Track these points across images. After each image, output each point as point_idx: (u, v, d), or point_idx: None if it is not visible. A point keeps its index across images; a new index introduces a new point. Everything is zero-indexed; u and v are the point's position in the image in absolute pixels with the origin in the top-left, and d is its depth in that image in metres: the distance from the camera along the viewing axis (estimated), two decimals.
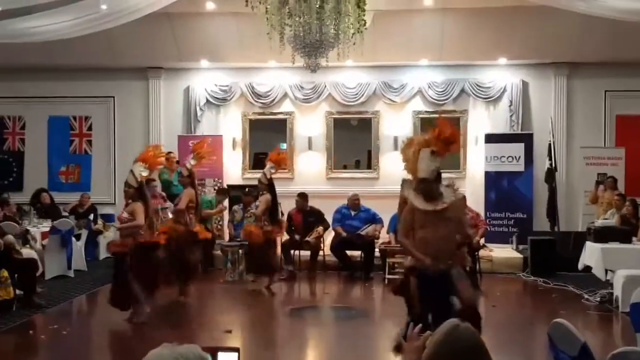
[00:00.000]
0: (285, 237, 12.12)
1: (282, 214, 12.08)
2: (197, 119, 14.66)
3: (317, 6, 8.45)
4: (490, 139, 13.93)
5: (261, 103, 14.59)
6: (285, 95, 14.57)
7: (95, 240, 12.99)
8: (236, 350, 2.91)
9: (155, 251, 8.49)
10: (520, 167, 13.81)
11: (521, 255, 12.55)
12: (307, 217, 12.25)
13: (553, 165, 13.57)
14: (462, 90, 14.27)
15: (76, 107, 15.06)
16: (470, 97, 14.35)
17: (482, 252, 11.88)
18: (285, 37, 8.86)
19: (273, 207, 10.77)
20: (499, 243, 13.25)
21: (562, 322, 3.94)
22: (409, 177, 6.91)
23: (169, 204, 10.84)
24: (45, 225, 11.73)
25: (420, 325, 2.76)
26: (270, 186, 10.79)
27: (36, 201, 13.40)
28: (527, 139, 13.89)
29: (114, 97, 15.00)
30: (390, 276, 11.13)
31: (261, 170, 14.41)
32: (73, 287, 10.62)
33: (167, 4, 11.02)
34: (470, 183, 14.13)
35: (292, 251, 12.10)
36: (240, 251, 11.49)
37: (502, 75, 14.31)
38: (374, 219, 12.20)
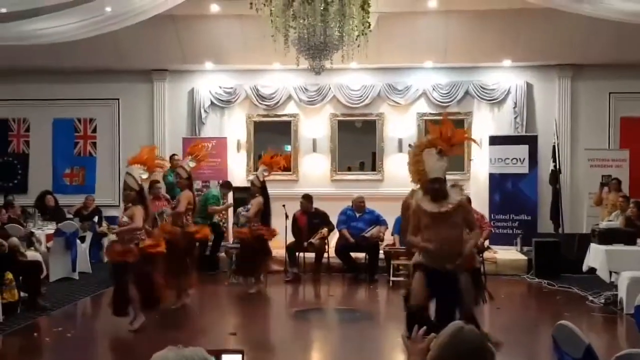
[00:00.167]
0: (290, 239, 12.13)
1: (287, 216, 12.10)
2: (201, 121, 14.68)
3: (322, 8, 8.45)
4: (495, 141, 13.92)
5: (265, 105, 14.61)
6: (290, 97, 14.59)
7: (99, 243, 13.00)
8: (240, 352, 2.91)
9: (155, 261, 8.30)
10: (524, 169, 13.80)
11: (525, 257, 12.54)
12: (312, 219, 12.26)
13: (557, 167, 13.57)
14: (467, 92, 14.28)
15: (81, 110, 15.09)
16: (475, 99, 14.35)
17: (486, 254, 11.85)
18: (290, 40, 8.85)
19: (265, 210, 10.77)
20: (504, 245, 13.26)
21: (567, 324, 3.94)
22: (417, 187, 6.91)
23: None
24: (50, 228, 11.75)
25: (424, 327, 2.76)
26: (262, 189, 10.79)
27: (41, 203, 13.41)
28: (531, 141, 13.88)
29: (118, 99, 15.02)
30: (395, 278, 11.14)
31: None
32: (77, 289, 10.64)
33: (172, 7, 11.03)
34: (475, 185, 14.11)
35: (296, 253, 12.09)
36: None
37: (506, 77, 14.30)
38: (378, 221, 12.18)
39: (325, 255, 12.19)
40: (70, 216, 13.02)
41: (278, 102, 14.58)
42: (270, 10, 8.60)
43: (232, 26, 13.17)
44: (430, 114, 14.34)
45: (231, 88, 14.66)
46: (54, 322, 8.68)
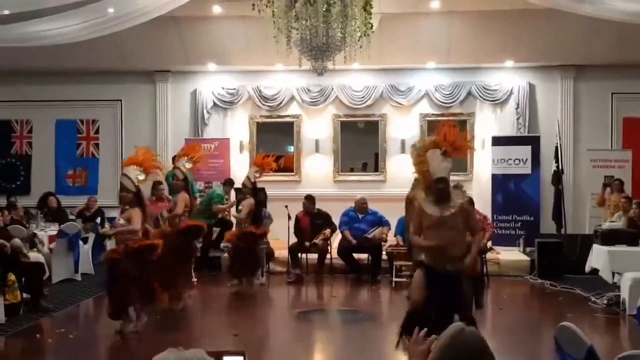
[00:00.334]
0: (293, 239, 12.14)
1: (290, 217, 12.11)
2: (204, 122, 14.69)
3: (324, 9, 8.45)
4: (497, 141, 13.92)
5: (268, 106, 14.61)
6: (292, 98, 14.59)
7: (102, 244, 12.96)
8: (242, 354, 2.91)
9: (149, 255, 8.04)
10: (527, 169, 13.79)
11: (528, 258, 12.53)
12: (314, 219, 12.25)
13: (560, 167, 13.56)
14: (469, 93, 14.28)
15: (83, 111, 15.11)
16: (477, 99, 14.35)
17: (489, 255, 11.85)
18: (292, 41, 8.85)
19: (257, 212, 10.76)
20: (506, 246, 13.25)
21: (569, 325, 3.94)
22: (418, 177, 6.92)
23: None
24: (53, 229, 11.75)
25: (425, 329, 2.76)
26: (254, 190, 10.78)
27: (43, 205, 13.43)
28: (534, 142, 13.87)
29: (121, 100, 15.04)
30: (398, 279, 11.13)
31: (270, 173, 14.55)
32: (80, 290, 10.64)
33: (175, 8, 11.03)
34: (477, 186, 14.11)
35: (299, 254, 12.09)
36: None
37: (508, 78, 14.30)
38: (381, 222, 12.18)
39: (328, 256, 12.19)
40: (73, 217, 13.03)
41: (281, 103, 14.59)
42: (273, 11, 8.60)
43: (234, 27, 13.18)
44: (433, 114, 14.36)
45: (234, 89, 14.67)
46: (57, 324, 8.69)
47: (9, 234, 9.43)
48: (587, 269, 10.49)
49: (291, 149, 14.85)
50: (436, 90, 14.31)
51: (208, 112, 14.70)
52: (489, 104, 14.36)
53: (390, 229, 12.09)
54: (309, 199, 12.38)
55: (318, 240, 12.00)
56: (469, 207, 6.85)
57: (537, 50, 13.41)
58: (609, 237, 10.07)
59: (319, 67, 9.07)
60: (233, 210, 12.49)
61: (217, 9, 12.69)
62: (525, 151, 13.80)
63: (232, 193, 13.32)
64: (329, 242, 12.17)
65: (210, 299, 10.69)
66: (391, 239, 12.06)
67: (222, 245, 12.34)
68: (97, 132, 15.16)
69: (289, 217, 12.10)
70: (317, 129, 14.64)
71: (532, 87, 14.28)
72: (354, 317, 9.51)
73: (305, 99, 14.49)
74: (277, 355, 7.77)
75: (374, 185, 14.39)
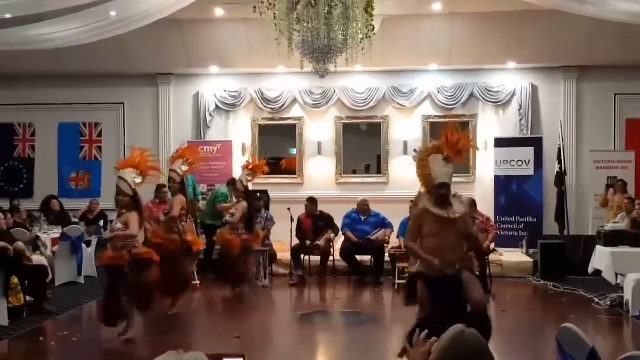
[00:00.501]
0: (294, 242, 12.15)
1: (292, 219, 12.11)
2: (206, 124, 14.71)
3: (325, 12, 8.44)
4: (500, 143, 13.92)
5: (270, 108, 14.63)
6: (295, 100, 14.60)
7: (105, 247, 12.98)
8: (241, 356, 2.91)
9: (150, 266, 7.93)
10: (530, 171, 13.79)
11: (531, 260, 12.52)
12: (317, 221, 12.25)
13: (563, 169, 13.56)
14: (472, 95, 14.28)
15: (86, 114, 15.14)
16: (480, 101, 14.35)
17: (492, 257, 11.84)
18: (294, 43, 8.85)
19: (249, 216, 10.74)
20: (509, 247, 13.25)
21: (571, 326, 3.93)
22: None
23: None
24: (56, 232, 11.76)
25: (426, 331, 2.75)
26: (246, 194, 10.76)
27: (46, 208, 13.45)
28: (536, 143, 13.87)
29: (124, 103, 15.06)
30: (400, 281, 11.08)
31: (272, 175, 14.56)
32: (83, 293, 10.63)
33: (177, 11, 11.04)
34: (480, 187, 14.11)
35: (301, 256, 12.09)
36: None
37: (511, 79, 14.30)
38: (383, 224, 12.17)
39: (331, 258, 12.18)
40: (76, 220, 13.04)
41: (283, 105, 14.60)
42: (274, 13, 8.59)
43: (237, 30, 13.18)
44: (436, 116, 14.38)
45: (236, 92, 14.69)
46: (60, 326, 8.68)
47: (12, 237, 9.42)
48: (591, 270, 10.49)
49: (294, 151, 14.86)
50: (438, 92, 14.31)
51: (210, 114, 14.72)
52: (491, 105, 14.36)
53: (392, 230, 12.08)
54: (311, 201, 12.38)
55: (320, 242, 11.99)
56: (469, 214, 6.85)
57: (539, 51, 13.40)
58: (612, 238, 10.06)
59: (320, 69, 9.07)
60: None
61: (219, 12, 12.70)
62: (528, 152, 13.80)
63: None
64: (331, 244, 12.16)
65: (213, 301, 10.68)
66: (394, 240, 12.05)
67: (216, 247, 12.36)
68: (99, 135, 15.19)
69: (292, 220, 12.11)
70: (320, 131, 14.64)
71: (534, 89, 14.27)
72: (356, 319, 9.51)
73: (307, 101, 14.50)
74: (280, 357, 7.78)
75: (377, 187, 14.39)
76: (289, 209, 12.09)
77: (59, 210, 13.47)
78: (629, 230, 10.45)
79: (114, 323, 7.87)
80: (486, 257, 11.22)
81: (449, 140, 6.65)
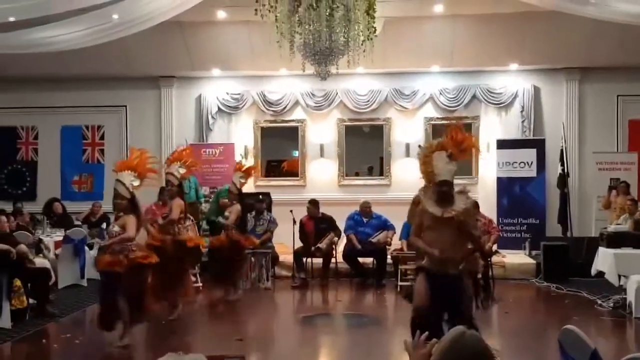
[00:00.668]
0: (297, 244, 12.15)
1: (295, 222, 12.11)
2: (209, 127, 14.73)
3: (327, 14, 8.44)
4: (502, 144, 13.91)
5: (273, 111, 14.63)
6: (297, 102, 14.61)
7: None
8: (241, 358, 2.92)
9: (147, 272, 7.87)
10: (532, 172, 13.79)
11: (534, 261, 12.51)
12: (319, 224, 12.25)
13: (565, 170, 13.54)
14: (474, 97, 14.28)
15: (89, 117, 15.16)
16: (482, 103, 14.35)
17: (494, 258, 11.81)
18: (295, 45, 8.85)
19: (243, 218, 10.73)
20: (512, 249, 13.24)
21: (572, 328, 3.93)
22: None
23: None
24: (59, 235, 11.78)
25: (426, 332, 2.76)
26: (240, 196, 10.75)
27: (48, 211, 13.47)
28: (539, 145, 13.87)
29: (126, 106, 15.08)
30: (403, 283, 11.10)
31: (275, 178, 14.59)
32: (86, 296, 10.64)
33: (179, 13, 11.05)
34: (483, 189, 14.11)
35: (304, 259, 12.09)
36: (252, 259, 11.49)
37: (513, 81, 14.30)
38: (385, 226, 12.17)
39: (333, 260, 12.18)
40: (79, 223, 13.06)
41: (285, 107, 14.60)
42: (276, 16, 8.60)
43: (239, 32, 13.19)
44: (438, 118, 14.38)
45: (238, 94, 14.70)
46: (63, 329, 8.71)
47: (14, 239, 9.44)
48: (593, 272, 10.48)
49: (296, 153, 14.87)
50: (441, 93, 14.31)
51: (213, 117, 14.73)
52: (493, 107, 14.36)
53: (395, 232, 12.09)
54: (313, 204, 12.38)
55: (322, 244, 11.99)
56: (471, 211, 6.84)
57: (541, 53, 13.39)
58: (615, 240, 10.06)
59: (322, 71, 9.07)
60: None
61: (221, 14, 12.71)
62: (531, 154, 13.79)
63: None
64: (334, 246, 12.16)
65: (215, 303, 10.67)
66: (396, 242, 12.04)
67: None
68: (102, 137, 15.21)
69: (294, 222, 12.11)
70: (322, 133, 14.65)
71: (537, 90, 14.27)
72: (359, 321, 9.51)
73: (309, 104, 14.51)
74: (282, 359, 7.77)
75: (379, 190, 14.39)
76: (291, 211, 12.09)
77: (61, 213, 13.50)
78: (631, 232, 10.45)
79: (111, 327, 7.75)
80: (489, 259, 11.21)
81: (454, 138, 6.65)
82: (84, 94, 14.97)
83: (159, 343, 7.94)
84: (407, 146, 14.26)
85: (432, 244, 6.38)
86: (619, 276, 9.70)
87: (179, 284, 9.27)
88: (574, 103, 14.11)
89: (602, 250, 10.21)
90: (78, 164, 15.20)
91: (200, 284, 11.32)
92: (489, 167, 14.10)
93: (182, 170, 9.86)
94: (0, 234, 9.13)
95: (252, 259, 11.48)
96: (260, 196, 12.93)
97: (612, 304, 9.57)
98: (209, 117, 14.70)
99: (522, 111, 14.18)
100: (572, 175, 13.80)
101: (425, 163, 6.67)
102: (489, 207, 12.95)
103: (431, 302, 6.25)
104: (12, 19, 10.23)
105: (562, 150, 13.59)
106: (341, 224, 12.32)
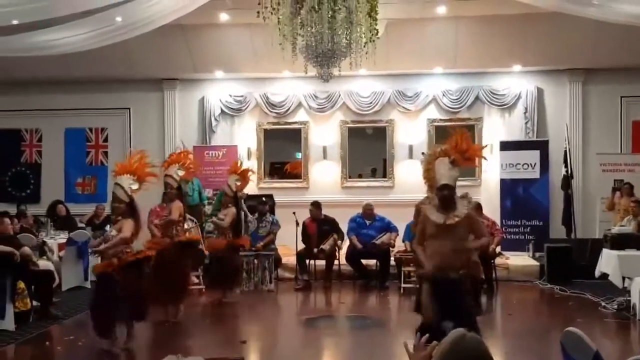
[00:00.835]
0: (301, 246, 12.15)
1: (297, 224, 12.11)
2: (212, 129, 14.74)
3: (329, 16, 8.43)
4: (506, 146, 13.90)
5: (275, 113, 14.64)
6: (300, 104, 14.62)
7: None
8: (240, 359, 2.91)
9: (142, 267, 7.76)
10: (535, 174, 13.77)
11: (537, 263, 12.49)
12: (322, 225, 12.24)
13: (569, 172, 13.52)
14: (477, 98, 14.27)
15: (92, 119, 15.19)
16: (485, 104, 14.34)
17: (498, 260, 11.83)
18: (298, 47, 8.85)
19: (237, 221, 10.72)
20: (515, 251, 13.23)
21: (575, 330, 3.92)
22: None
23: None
24: (62, 237, 11.80)
25: (427, 335, 2.76)
26: (235, 199, 10.74)
27: (52, 213, 13.49)
28: (542, 146, 13.85)
29: (129, 108, 15.11)
30: (406, 285, 11.09)
31: (278, 180, 14.58)
32: (89, 298, 10.61)
33: (181, 16, 11.06)
34: (486, 191, 14.10)
35: (307, 260, 12.09)
36: (255, 261, 11.48)
37: (516, 82, 14.29)
38: (388, 228, 12.16)
39: (336, 262, 12.17)
40: (82, 225, 13.07)
41: (288, 109, 14.61)
42: (278, 18, 8.60)
43: (241, 35, 13.20)
44: (441, 120, 14.38)
45: (241, 96, 14.71)
46: (66, 331, 8.71)
47: (18, 242, 9.45)
48: (597, 273, 10.44)
49: (299, 155, 14.87)
50: (443, 95, 14.31)
51: (216, 119, 14.75)
52: (496, 108, 14.35)
53: (398, 234, 12.08)
54: (316, 205, 12.37)
55: (325, 246, 11.98)
56: (474, 215, 6.83)
57: (544, 54, 13.38)
58: (619, 242, 10.02)
59: (324, 73, 9.06)
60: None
61: (223, 17, 12.71)
62: (534, 156, 13.77)
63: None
64: (337, 248, 12.15)
65: (218, 305, 10.67)
66: (399, 244, 12.04)
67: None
68: (106, 140, 15.24)
69: (297, 224, 12.11)
70: (325, 135, 14.65)
71: (540, 91, 14.25)
72: (362, 323, 9.49)
73: (312, 106, 14.51)
74: None
75: (382, 191, 14.38)
76: (294, 213, 12.09)
77: (65, 215, 13.52)
78: (635, 234, 10.41)
79: (108, 334, 7.60)
80: (492, 261, 11.22)
81: (458, 145, 6.65)
82: (88, 97, 15.00)
83: (161, 346, 7.92)
84: (410, 148, 14.26)
85: (434, 252, 6.38)
86: (623, 278, 9.66)
87: (180, 285, 9.25)
88: (578, 104, 14.09)
89: (606, 252, 10.18)
90: (82, 166, 15.23)
91: (203, 286, 11.31)
92: (492, 169, 14.07)
93: (181, 173, 9.84)
94: (4, 237, 9.12)
95: (255, 261, 11.48)
96: (263, 198, 12.93)
97: (616, 306, 9.54)
98: (212, 119, 14.71)
99: (525, 112, 14.17)
100: (575, 177, 13.79)
101: (428, 170, 6.69)
102: (492, 209, 12.96)
103: (436, 311, 6.24)
104: (15, 22, 10.25)
105: (565, 152, 13.57)
106: (344, 226, 12.31)
